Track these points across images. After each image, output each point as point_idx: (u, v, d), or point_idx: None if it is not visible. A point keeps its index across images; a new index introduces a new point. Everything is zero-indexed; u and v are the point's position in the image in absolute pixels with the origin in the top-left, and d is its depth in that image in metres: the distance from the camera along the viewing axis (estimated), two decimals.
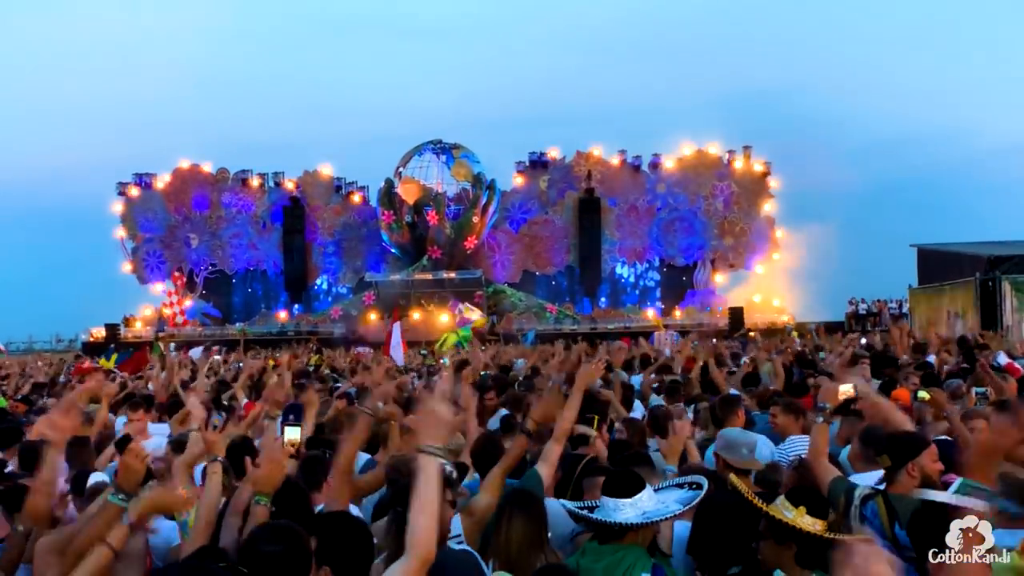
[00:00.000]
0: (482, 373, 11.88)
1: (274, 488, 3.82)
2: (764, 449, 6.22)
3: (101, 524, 3.43)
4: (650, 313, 47.69)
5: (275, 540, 2.89)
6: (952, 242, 39.80)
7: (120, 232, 52.13)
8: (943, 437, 5.85)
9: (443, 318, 41.94)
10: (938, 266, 38.04)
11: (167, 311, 50.36)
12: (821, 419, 4.86)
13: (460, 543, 4.05)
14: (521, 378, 11.67)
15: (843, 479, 4.53)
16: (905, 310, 42.33)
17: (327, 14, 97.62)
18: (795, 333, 33.29)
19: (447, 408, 3.19)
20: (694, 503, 3.91)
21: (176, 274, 51.66)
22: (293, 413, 7.95)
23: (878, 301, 45.05)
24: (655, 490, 4.08)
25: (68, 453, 5.92)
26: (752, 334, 35.44)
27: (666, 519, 3.87)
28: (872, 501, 4.06)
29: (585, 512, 3.95)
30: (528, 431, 4.98)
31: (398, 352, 16.97)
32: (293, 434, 4.61)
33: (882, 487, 4.26)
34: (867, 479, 4.62)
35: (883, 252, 60.33)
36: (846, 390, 5.23)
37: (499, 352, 21.82)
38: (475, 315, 40.91)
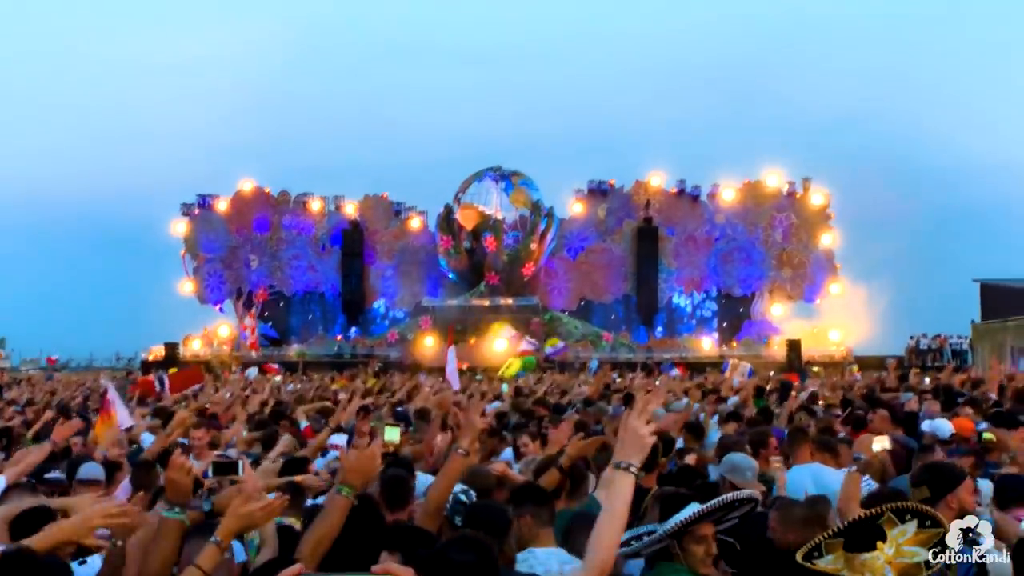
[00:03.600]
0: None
1: (363, 482, 3.75)
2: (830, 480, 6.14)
3: (167, 544, 3.38)
4: (706, 343, 47.39)
5: (466, 550, 2.93)
6: (1017, 277, 39.19)
7: (183, 252, 52.81)
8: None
9: (498, 344, 42.04)
10: (1002, 301, 37.46)
11: (238, 334, 50.58)
12: (854, 468, 4.93)
13: None
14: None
15: None
16: (966, 346, 41.68)
17: (389, 39, 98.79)
18: (855, 368, 32.94)
19: (647, 427, 3.24)
20: (715, 503, 3.67)
21: (255, 294, 52.06)
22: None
23: (939, 336, 44.31)
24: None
25: (134, 477, 6.10)
26: (816, 369, 35.07)
27: (675, 527, 3.55)
28: None
29: (628, 545, 3.66)
30: (561, 467, 5.16)
31: (454, 377, 17.10)
32: (392, 434, 4.64)
33: None
34: None
35: (945, 286, 59.44)
36: (881, 442, 5.37)
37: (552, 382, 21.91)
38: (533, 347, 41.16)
